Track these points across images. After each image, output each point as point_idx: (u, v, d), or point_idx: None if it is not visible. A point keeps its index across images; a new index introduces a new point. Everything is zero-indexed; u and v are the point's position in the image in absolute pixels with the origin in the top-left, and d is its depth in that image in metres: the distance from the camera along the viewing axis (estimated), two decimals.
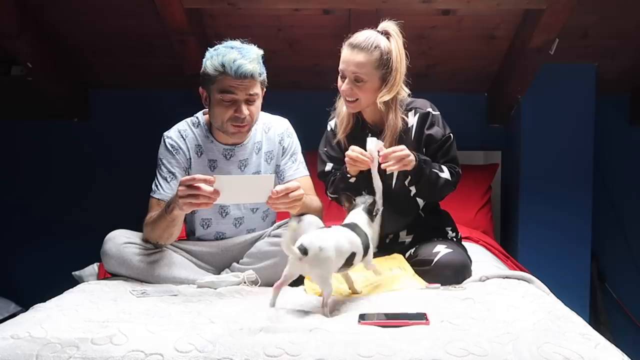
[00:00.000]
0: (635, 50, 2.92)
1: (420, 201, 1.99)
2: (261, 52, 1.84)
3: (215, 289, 1.72)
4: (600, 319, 3.12)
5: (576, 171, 2.98)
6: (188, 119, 1.99)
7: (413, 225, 2.00)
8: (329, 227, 1.62)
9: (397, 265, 1.84)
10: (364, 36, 1.84)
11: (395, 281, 1.73)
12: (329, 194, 2.02)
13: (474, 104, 3.29)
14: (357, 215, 1.66)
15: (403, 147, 1.79)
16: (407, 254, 1.96)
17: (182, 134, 1.94)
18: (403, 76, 1.88)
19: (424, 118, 1.93)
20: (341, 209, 2.14)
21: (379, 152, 1.78)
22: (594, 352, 1.17)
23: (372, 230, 1.66)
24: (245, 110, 1.82)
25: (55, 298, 1.60)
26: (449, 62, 3.04)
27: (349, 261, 1.53)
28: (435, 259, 1.80)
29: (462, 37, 2.87)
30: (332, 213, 2.57)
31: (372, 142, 1.80)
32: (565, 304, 1.55)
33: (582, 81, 2.98)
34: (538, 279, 1.77)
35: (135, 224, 1.92)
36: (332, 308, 1.47)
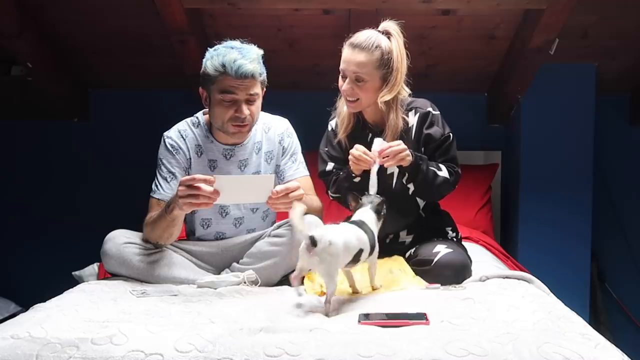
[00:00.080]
0: (635, 50, 2.92)
1: (420, 201, 1.99)
2: (261, 52, 1.84)
3: (215, 289, 1.72)
4: (600, 319, 3.12)
5: (576, 171, 2.98)
6: (188, 119, 1.99)
7: (413, 225, 2.00)
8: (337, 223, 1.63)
9: (397, 267, 1.84)
10: (365, 36, 1.84)
11: (395, 283, 1.73)
12: (330, 193, 2.02)
13: (474, 104, 3.29)
14: (365, 213, 1.67)
15: (400, 142, 1.79)
16: (407, 254, 1.96)
17: (182, 134, 1.94)
18: (404, 76, 1.88)
19: (424, 117, 1.93)
20: (341, 209, 2.15)
21: (380, 152, 1.79)
22: (594, 352, 1.17)
23: (377, 230, 1.67)
24: (245, 110, 1.82)
25: (55, 298, 1.60)
26: (449, 62, 3.04)
27: (356, 258, 1.54)
28: (436, 259, 1.80)
29: (462, 37, 2.87)
30: (332, 213, 2.57)
31: (377, 143, 1.81)
32: (565, 304, 1.55)
33: (582, 81, 2.98)
34: (538, 278, 1.77)
35: (135, 224, 1.92)
36: (334, 307, 1.47)
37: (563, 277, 2.67)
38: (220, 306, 1.53)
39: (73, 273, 2.58)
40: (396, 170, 1.92)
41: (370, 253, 1.62)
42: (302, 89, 3.15)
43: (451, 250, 1.83)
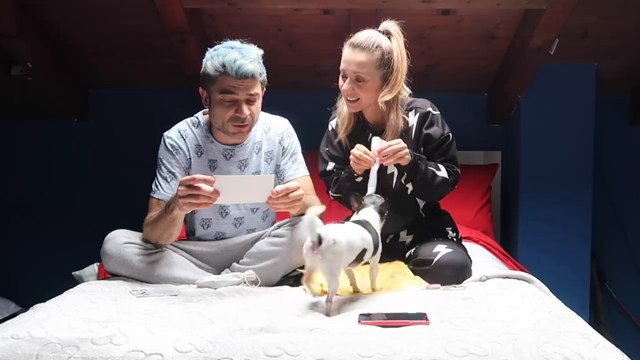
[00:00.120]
0: (635, 50, 2.92)
1: (420, 201, 1.99)
2: (261, 52, 1.84)
3: (215, 289, 1.72)
4: (600, 319, 3.12)
5: (576, 171, 2.98)
6: (188, 119, 1.99)
7: (413, 225, 2.00)
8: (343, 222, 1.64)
9: (398, 270, 1.84)
10: (365, 36, 1.84)
11: (396, 285, 1.73)
12: (331, 193, 2.03)
13: (474, 104, 3.29)
14: (369, 213, 1.68)
15: (399, 140, 1.80)
16: (407, 254, 1.96)
17: (182, 134, 1.94)
18: (404, 76, 1.88)
19: (423, 117, 1.93)
20: (341, 209, 2.15)
21: (379, 151, 1.79)
22: (594, 352, 1.17)
23: (379, 230, 1.68)
24: (245, 110, 1.82)
25: (55, 298, 1.60)
26: (449, 62, 3.04)
27: (359, 257, 1.55)
28: (436, 259, 1.80)
29: (462, 37, 2.87)
30: (332, 213, 2.56)
31: (376, 142, 1.81)
32: (565, 304, 1.55)
33: (582, 81, 2.98)
34: (538, 279, 1.77)
35: (135, 224, 1.92)
36: (334, 306, 1.47)
37: (563, 277, 2.67)
38: (220, 306, 1.53)
39: (73, 273, 2.58)
40: (396, 171, 1.92)
41: (374, 253, 1.62)
42: (302, 89, 3.15)
43: (451, 250, 1.83)
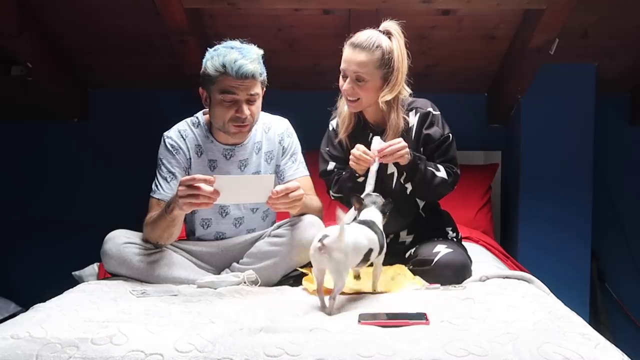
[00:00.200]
0: (635, 50, 2.92)
1: (420, 201, 1.99)
2: (261, 52, 1.84)
3: (215, 289, 1.72)
4: (600, 319, 3.12)
5: (576, 171, 2.98)
6: (188, 119, 1.99)
7: (413, 225, 2.00)
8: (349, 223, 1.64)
9: (398, 272, 1.84)
10: (366, 36, 1.84)
11: (396, 286, 1.73)
12: (332, 193, 2.03)
13: (474, 104, 3.29)
14: (372, 213, 1.68)
15: (400, 139, 1.80)
16: (407, 254, 1.96)
17: (182, 134, 1.94)
18: (404, 76, 1.88)
19: (424, 118, 1.93)
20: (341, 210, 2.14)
21: (379, 151, 1.79)
22: (594, 352, 1.17)
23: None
24: (246, 110, 1.82)
25: (55, 298, 1.60)
26: (449, 62, 3.04)
27: (366, 257, 1.56)
28: (436, 259, 1.80)
29: (462, 37, 2.87)
30: (332, 213, 2.55)
31: (377, 142, 1.81)
32: (565, 304, 1.55)
33: (582, 81, 2.98)
34: (538, 278, 1.76)
35: (135, 224, 1.92)
36: (336, 305, 1.48)
37: (563, 277, 2.68)
38: (220, 306, 1.53)
39: (73, 273, 2.58)
40: (396, 171, 1.92)
41: (379, 253, 1.63)
42: (302, 89, 3.15)
43: (451, 250, 1.83)
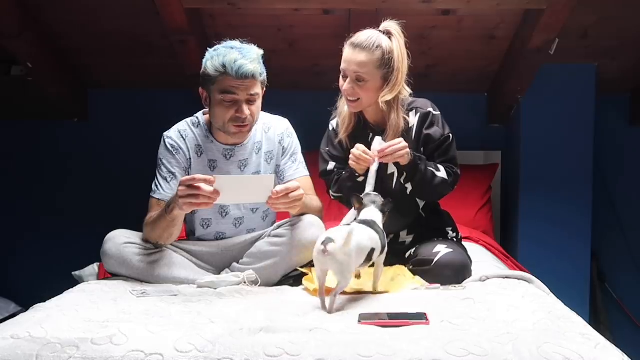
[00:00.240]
0: (635, 50, 2.92)
1: (420, 201, 1.99)
2: (261, 52, 1.84)
3: (215, 289, 1.72)
4: (600, 318, 3.12)
5: (576, 171, 2.98)
6: (188, 119, 1.99)
7: (413, 225, 2.00)
8: (349, 224, 1.64)
9: (398, 273, 1.84)
10: (366, 36, 1.84)
11: (396, 287, 1.73)
12: (331, 192, 2.03)
13: (474, 104, 3.29)
14: (373, 213, 1.68)
15: (401, 139, 1.80)
16: (407, 254, 1.96)
17: (182, 134, 1.94)
18: (405, 76, 1.88)
19: (424, 118, 1.93)
20: (341, 209, 2.15)
21: (379, 151, 1.79)
22: (594, 352, 1.17)
23: None
24: (246, 110, 1.82)
25: (55, 298, 1.60)
26: (449, 62, 3.04)
27: (369, 257, 1.56)
28: (436, 259, 1.80)
29: (462, 37, 2.87)
30: (332, 213, 2.56)
31: (377, 142, 1.81)
32: (565, 304, 1.55)
33: (582, 81, 2.98)
34: (538, 278, 1.77)
35: (135, 224, 1.92)
36: (336, 306, 1.48)
37: (563, 277, 2.68)
38: (220, 306, 1.53)
39: (73, 273, 2.58)
40: (396, 171, 1.92)
41: (381, 252, 1.63)
42: (302, 89, 3.15)
43: (451, 250, 1.83)
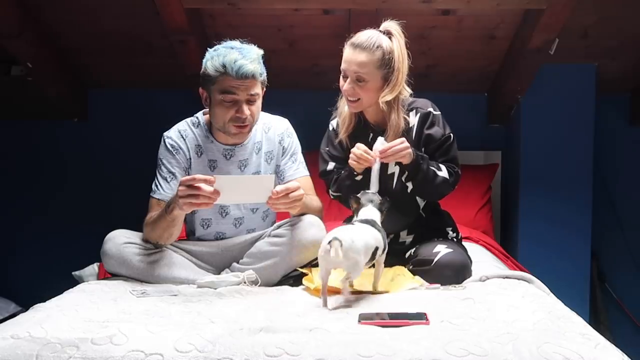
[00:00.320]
0: (635, 50, 2.92)
1: (420, 201, 1.99)
2: (261, 52, 1.84)
3: (215, 289, 1.72)
4: (600, 318, 3.12)
5: (576, 171, 2.98)
6: (188, 119, 1.99)
7: (413, 226, 2.00)
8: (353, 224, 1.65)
9: (398, 273, 1.84)
10: (366, 36, 1.84)
11: (396, 287, 1.73)
12: (331, 192, 2.02)
13: (474, 104, 3.29)
14: (372, 212, 1.68)
15: (403, 139, 1.80)
16: (407, 254, 1.96)
17: (182, 134, 1.94)
18: (405, 76, 1.88)
19: (424, 118, 1.93)
20: (341, 209, 2.15)
21: (381, 151, 1.79)
22: (594, 352, 1.17)
23: None
24: (246, 110, 1.82)
25: (55, 298, 1.60)
26: (449, 62, 3.04)
27: (373, 256, 1.57)
28: (436, 259, 1.80)
29: (462, 37, 2.87)
30: (332, 213, 2.57)
31: (380, 143, 1.81)
32: (565, 303, 1.55)
33: (582, 81, 2.97)
34: (538, 278, 1.77)
35: (135, 224, 1.92)
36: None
37: (563, 277, 2.68)
38: (220, 306, 1.53)
39: (73, 273, 2.58)
40: (397, 171, 1.92)
41: (383, 251, 1.64)
42: (302, 88, 3.15)
43: (451, 250, 1.83)
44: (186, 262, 1.88)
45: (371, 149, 1.81)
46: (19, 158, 3.41)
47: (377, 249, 1.58)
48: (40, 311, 1.45)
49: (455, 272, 1.78)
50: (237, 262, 1.88)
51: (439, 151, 1.92)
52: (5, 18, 2.66)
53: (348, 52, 1.86)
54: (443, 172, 1.88)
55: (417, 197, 1.97)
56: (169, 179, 1.90)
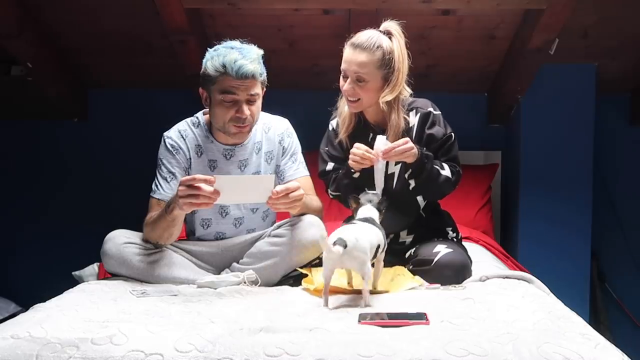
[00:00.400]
0: (635, 50, 2.92)
1: (421, 201, 1.99)
2: (261, 52, 1.84)
3: (215, 289, 1.72)
4: (600, 318, 3.12)
5: (576, 171, 2.98)
6: (188, 119, 1.99)
7: (413, 226, 2.00)
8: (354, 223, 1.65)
9: (398, 273, 1.84)
10: (366, 36, 1.84)
11: (395, 287, 1.73)
12: (330, 191, 2.03)
13: (474, 104, 3.29)
14: (370, 211, 1.69)
15: (407, 139, 1.80)
16: (407, 254, 1.96)
17: (182, 134, 1.94)
18: (405, 76, 1.88)
19: (425, 118, 1.93)
20: (341, 209, 2.15)
21: (384, 152, 1.79)
22: (594, 352, 1.17)
23: None
24: (246, 110, 1.82)
25: (55, 298, 1.60)
26: (449, 62, 3.04)
27: (375, 254, 1.58)
28: (436, 259, 1.80)
29: (462, 37, 2.87)
30: (332, 213, 2.57)
31: (381, 141, 1.81)
32: (565, 303, 1.55)
33: (582, 81, 2.98)
34: (538, 278, 1.77)
35: (135, 224, 1.92)
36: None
37: (563, 277, 2.68)
38: (220, 306, 1.53)
39: (73, 273, 2.58)
40: (397, 171, 1.92)
41: (383, 249, 1.65)
42: (302, 88, 3.15)
43: (451, 250, 1.83)
44: (186, 262, 1.88)
45: (371, 149, 1.81)
46: (19, 158, 3.41)
47: (379, 246, 1.59)
48: (40, 311, 1.45)
49: (455, 272, 1.78)
50: (237, 262, 1.88)
51: (441, 150, 1.92)
52: (5, 18, 2.66)
53: (348, 52, 1.86)
54: (446, 171, 1.88)
55: (417, 197, 1.97)
56: (169, 179, 1.90)
